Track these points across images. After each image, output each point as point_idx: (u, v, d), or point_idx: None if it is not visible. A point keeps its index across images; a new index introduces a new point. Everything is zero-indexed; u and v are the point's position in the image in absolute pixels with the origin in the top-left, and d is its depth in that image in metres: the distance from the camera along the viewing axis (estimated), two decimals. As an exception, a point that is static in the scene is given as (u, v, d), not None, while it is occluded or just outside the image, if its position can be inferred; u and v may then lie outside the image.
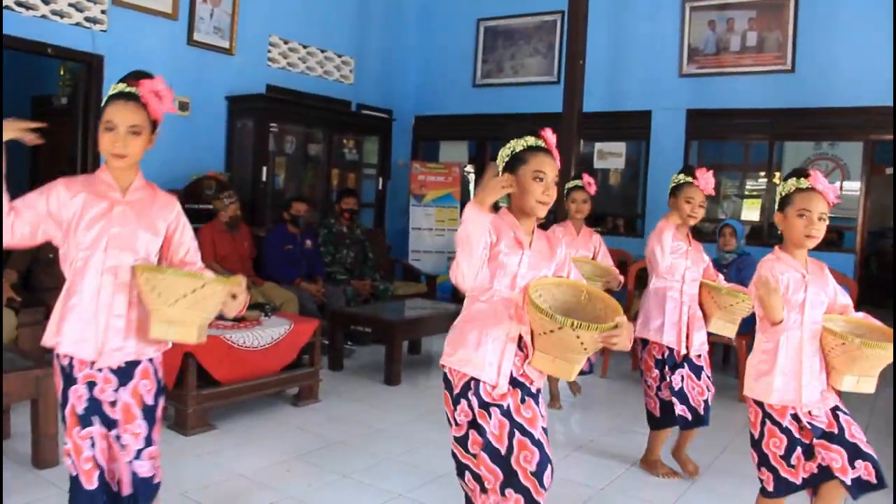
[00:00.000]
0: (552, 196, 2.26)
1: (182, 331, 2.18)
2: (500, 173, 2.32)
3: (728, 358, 6.53)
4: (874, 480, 2.49)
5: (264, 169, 6.92)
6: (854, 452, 2.52)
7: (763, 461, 2.65)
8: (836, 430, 2.56)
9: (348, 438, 4.09)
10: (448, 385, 2.30)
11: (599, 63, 7.48)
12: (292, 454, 3.80)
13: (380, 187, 8.36)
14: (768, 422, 2.62)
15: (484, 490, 2.23)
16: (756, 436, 2.66)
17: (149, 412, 2.30)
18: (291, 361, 4.57)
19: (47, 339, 2.25)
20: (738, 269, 5.49)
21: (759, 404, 2.64)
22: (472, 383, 2.22)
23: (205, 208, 6.07)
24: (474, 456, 2.23)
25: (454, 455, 2.30)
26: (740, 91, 7.15)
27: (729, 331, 3.68)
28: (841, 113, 6.73)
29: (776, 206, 2.70)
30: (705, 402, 3.63)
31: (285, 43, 7.52)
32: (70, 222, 2.19)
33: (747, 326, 5.42)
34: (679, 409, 3.58)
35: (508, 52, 8.57)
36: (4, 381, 3.25)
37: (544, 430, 2.25)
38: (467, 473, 2.27)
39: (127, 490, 2.26)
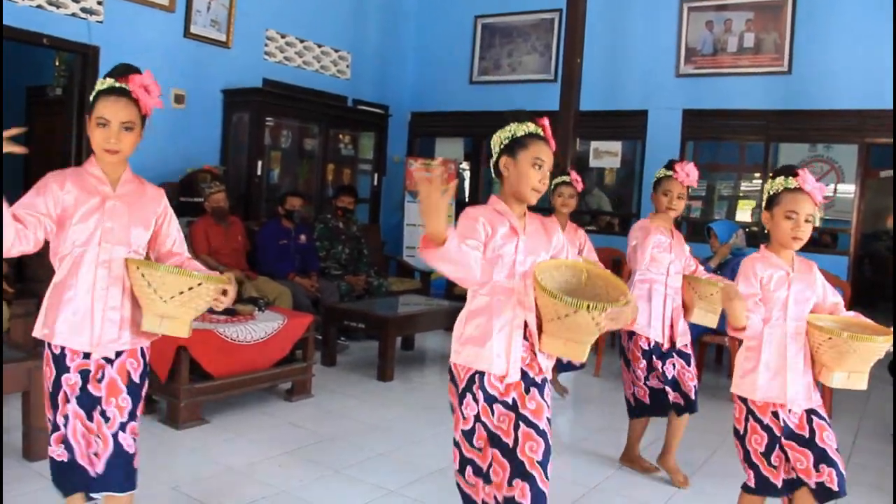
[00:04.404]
0: (546, 185, 2.25)
1: (174, 325, 2.22)
2: (497, 158, 2.31)
3: (721, 358, 6.55)
4: (835, 488, 2.47)
5: (259, 163, 6.91)
6: (820, 457, 2.50)
7: (746, 457, 2.67)
8: (806, 434, 2.54)
9: (341, 434, 4.09)
10: (453, 379, 2.28)
11: (597, 62, 7.48)
12: (284, 449, 3.80)
13: (375, 183, 8.36)
14: (751, 418, 2.63)
15: (488, 482, 2.19)
16: (741, 431, 2.67)
17: (134, 389, 2.31)
18: (284, 356, 4.57)
19: (39, 331, 2.26)
20: (731, 270, 5.48)
21: (744, 401, 2.65)
22: (478, 377, 2.20)
23: (199, 201, 6.04)
24: (479, 450, 2.21)
25: (458, 449, 2.26)
26: (737, 92, 7.17)
27: (710, 321, 3.65)
28: (837, 115, 6.76)
29: (763, 204, 2.66)
30: (695, 388, 3.68)
31: (282, 37, 7.50)
32: (62, 217, 2.19)
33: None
34: (672, 396, 3.64)
35: (506, 50, 8.56)
36: (-5, 372, 3.24)
37: (548, 420, 2.23)
38: (469, 468, 2.23)
39: (100, 468, 2.25)
